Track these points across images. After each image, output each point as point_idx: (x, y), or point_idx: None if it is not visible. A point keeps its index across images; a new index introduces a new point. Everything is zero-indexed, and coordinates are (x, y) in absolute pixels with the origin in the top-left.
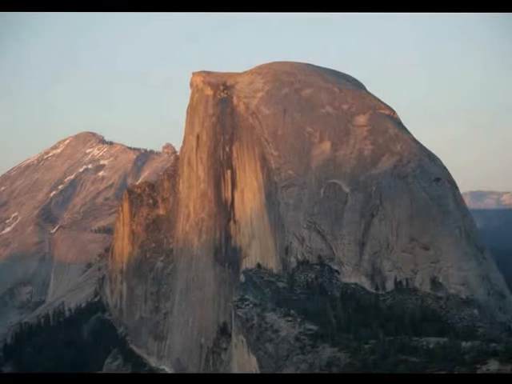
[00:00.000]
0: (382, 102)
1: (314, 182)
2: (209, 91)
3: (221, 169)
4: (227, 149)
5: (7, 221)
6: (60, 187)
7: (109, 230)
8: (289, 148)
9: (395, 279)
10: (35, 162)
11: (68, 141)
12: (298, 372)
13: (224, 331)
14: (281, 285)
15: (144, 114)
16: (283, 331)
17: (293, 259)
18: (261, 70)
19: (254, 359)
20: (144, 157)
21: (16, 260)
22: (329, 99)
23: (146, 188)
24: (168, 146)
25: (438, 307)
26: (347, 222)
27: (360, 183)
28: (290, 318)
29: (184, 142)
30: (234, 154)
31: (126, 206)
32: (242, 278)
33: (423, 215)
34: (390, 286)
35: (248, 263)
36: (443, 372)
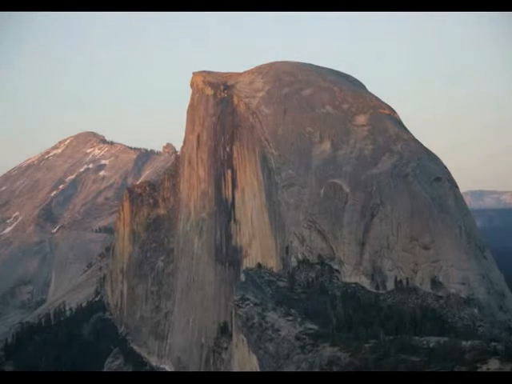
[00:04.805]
0: (382, 102)
1: (315, 181)
2: (209, 91)
3: (221, 168)
4: (228, 148)
5: (8, 220)
6: (61, 187)
7: (109, 230)
8: (289, 148)
9: (395, 279)
10: (36, 161)
11: (69, 141)
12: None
13: (224, 330)
14: (281, 284)
15: (144, 114)
16: (284, 330)
17: (293, 259)
18: (261, 70)
19: (254, 358)
20: (144, 157)
21: (17, 259)
22: (329, 99)
23: (147, 188)
24: (168, 145)
25: (439, 306)
26: (347, 222)
27: (360, 183)
28: (290, 318)
29: (184, 142)
30: (235, 154)
31: (126, 205)
32: (243, 277)
33: (423, 215)
34: (390, 285)
35: (248, 263)
36: (443, 371)
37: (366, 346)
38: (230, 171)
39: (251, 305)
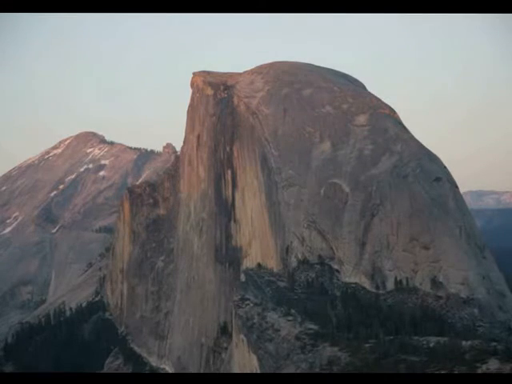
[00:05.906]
0: (382, 102)
1: (315, 181)
2: (209, 91)
3: (221, 168)
4: (228, 148)
5: (8, 221)
6: (61, 187)
7: (109, 230)
8: (289, 148)
9: (395, 278)
10: (36, 161)
11: (69, 141)
12: (299, 371)
13: (224, 330)
14: (281, 284)
15: (144, 114)
16: (284, 330)
17: (293, 259)
18: (261, 70)
19: (254, 358)
20: (144, 157)
21: (17, 260)
22: (329, 99)
23: (147, 188)
24: (168, 145)
25: (438, 306)
26: (347, 222)
27: (360, 183)
28: (290, 318)
29: (184, 142)
30: (235, 154)
31: (126, 205)
32: (243, 277)
33: (423, 215)
34: (390, 285)
35: (248, 263)
36: (443, 371)
37: (366, 345)
38: (229, 171)
39: (251, 305)
